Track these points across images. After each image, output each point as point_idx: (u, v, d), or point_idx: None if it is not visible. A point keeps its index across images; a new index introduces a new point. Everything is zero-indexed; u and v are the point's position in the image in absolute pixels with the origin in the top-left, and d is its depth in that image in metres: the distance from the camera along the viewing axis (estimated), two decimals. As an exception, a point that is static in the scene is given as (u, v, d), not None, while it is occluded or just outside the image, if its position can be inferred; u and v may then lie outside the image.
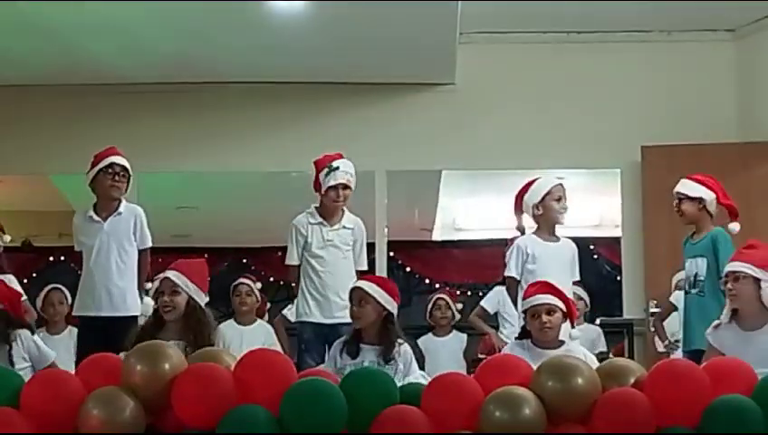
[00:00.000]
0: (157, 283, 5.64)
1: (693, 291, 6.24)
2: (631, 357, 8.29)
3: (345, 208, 6.57)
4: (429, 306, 8.39)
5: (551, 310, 5.38)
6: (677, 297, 7.22)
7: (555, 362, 4.09)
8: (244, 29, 8.02)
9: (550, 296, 5.40)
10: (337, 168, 6.48)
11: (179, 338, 5.32)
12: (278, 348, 7.08)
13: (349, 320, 5.73)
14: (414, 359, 5.57)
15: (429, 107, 9.20)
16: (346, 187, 6.50)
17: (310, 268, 6.49)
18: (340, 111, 9.16)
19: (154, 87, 9.03)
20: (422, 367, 7.84)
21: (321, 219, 6.51)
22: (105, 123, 8.90)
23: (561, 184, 6.28)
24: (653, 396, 3.92)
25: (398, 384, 4.52)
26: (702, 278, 6.20)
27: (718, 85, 9.03)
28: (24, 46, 8.21)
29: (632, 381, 4.05)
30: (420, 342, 8.18)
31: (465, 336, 8.29)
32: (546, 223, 6.23)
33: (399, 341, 5.50)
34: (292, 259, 6.54)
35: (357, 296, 5.54)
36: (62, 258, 11.25)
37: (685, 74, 9.06)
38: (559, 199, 6.21)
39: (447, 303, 8.35)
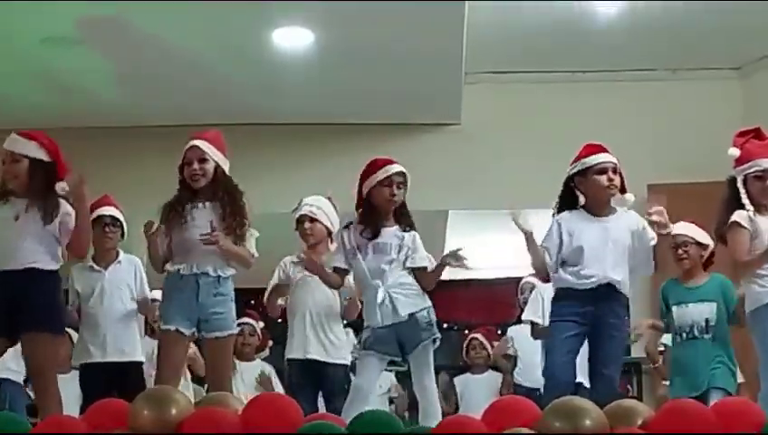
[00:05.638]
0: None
1: (705, 336, 6.18)
2: (639, 397, 8.27)
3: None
4: (465, 345, 8.47)
5: (615, 169, 5.49)
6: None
7: (563, 404, 4.07)
8: (250, 72, 8.09)
9: (611, 157, 5.50)
10: (300, 201, 6.58)
11: (212, 200, 5.49)
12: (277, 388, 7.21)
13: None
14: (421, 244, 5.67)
15: (435, 147, 9.22)
16: (311, 220, 6.50)
17: None
18: (346, 151, 9.13)
19: (158, 130, 9.01)
20: (457, 405, 8.08)
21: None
22: (113, 165, 8.86)
23: None
24: (661, 438, 3.91)
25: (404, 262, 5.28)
26: (713, 323, 6.18)
27: (724, 123, 9.01)
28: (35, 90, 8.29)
29: (640, 422, 4.02)
30: (457, 380, 8.36)
31: (499, 375, 8.30)
32: None
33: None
34: None
35: (399, 180, 5.73)
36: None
37: (691, 112, 9.08)
38: None
39: (481, 342, 8.42)
